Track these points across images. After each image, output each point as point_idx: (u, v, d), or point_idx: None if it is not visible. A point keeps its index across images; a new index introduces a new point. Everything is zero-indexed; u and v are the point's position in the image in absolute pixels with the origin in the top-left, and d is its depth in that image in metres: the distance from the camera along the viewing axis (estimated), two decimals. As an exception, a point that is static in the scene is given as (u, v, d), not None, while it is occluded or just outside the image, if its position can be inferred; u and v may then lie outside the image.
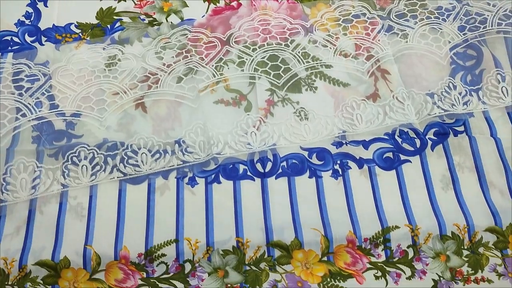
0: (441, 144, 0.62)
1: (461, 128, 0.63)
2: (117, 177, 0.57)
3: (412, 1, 0.71)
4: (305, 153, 0.61)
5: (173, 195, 0.58)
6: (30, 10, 0.69)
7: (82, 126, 0.61)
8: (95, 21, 0.69)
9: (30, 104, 0.61)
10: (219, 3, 0.71)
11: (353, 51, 0.67)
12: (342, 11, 0.71)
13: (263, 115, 0.62)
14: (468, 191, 0.59)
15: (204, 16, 0.70)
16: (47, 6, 0.69)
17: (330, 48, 0.67)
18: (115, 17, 0.69)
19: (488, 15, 0.68)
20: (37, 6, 0.69)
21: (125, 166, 0.58)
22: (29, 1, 0.69)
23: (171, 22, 0.69)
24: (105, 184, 0.57)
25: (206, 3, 0.71)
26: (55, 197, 0.57)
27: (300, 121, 0.62)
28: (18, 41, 0.67)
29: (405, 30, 0.68)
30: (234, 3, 0.71)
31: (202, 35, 0.67)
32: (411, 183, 0.59)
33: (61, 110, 0.61)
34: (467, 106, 0.63)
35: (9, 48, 0.66)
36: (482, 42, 0.67)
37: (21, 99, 0.62)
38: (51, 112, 0.61)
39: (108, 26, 0.69)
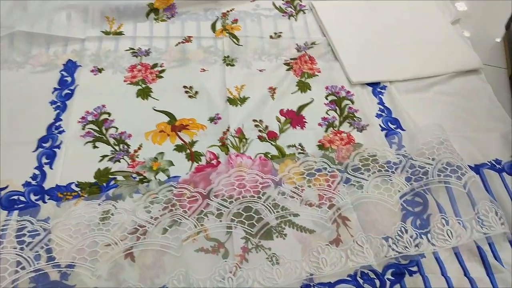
0: (399, 284, 0.71)
1: (415, 268, 0.73)
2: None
3: (365, 157, 0.86)
4: (277, 297, 0.70)
5: None
6: (37, 172, 0.82)
7: (76, 276, 0.70)
8: (92, 180, 0.82)
9: (29, 258, 0.71)
10: (201, 161, 0.86)
11: (317, 201, 0.81)
12: (306, 166, 0.86)
13: (239, 261, 0.73)
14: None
15: (188, 173, 0.84)
16: (52, 169, 0.83)
17: (297, 199, 0.81)
18: (110, 176, 0.83)
19: (429, 168, 0.83)
20: (43, 168, 0.83)
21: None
22: (37, 164, 0.83)
23: (159, 179, 0.83)
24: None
25: (190, 162, 0.86)
26: None
27: (272, 266, 0.72)
28: (24, 200, 0.79)
29: (361, 182, 0.83)
30: (213, 161, 0.86)
31: (185, 190, 0.81)
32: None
33: (57, 262, 0.71)
34: (418, 247, 0.74)
35: (15, 206, 0.78)
36: (426, 190, 0.81)
37: (22, 253, 0.72)
38: (47, 264, 0.71)
39: (104, 184, 0.82)
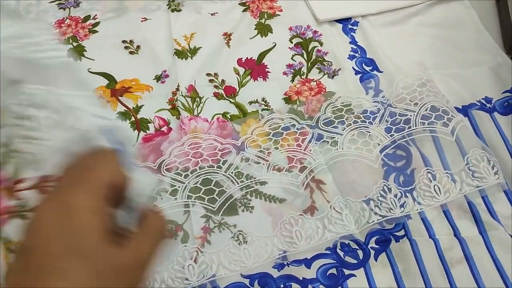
0: (384, 252, 0.64)
1: (402, 233, 0.66)
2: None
3: (338, 107, 0.77)
4: (246, 281, 0.62)
5: None
6: None
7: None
8: None
9: None
10: (149, 129, 0.75)
11: (286, 164, 0.71)
12: (272, 124, 0.76)
13: (200, 245, 0.64)
14: (416, 300, 0.61)
15: (134, 145, 0.73)
16: None
17: (263, 164, 0.71)
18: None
19: (411, 115, 0.74)
20: None
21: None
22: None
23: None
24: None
25: (136, 131, 0.75)
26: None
27: (239, 246, 0.64)
28: None
29: (335, 137, 0.73)
30: (164, 128, 0.75)
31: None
32: (358, 300, 0.61)
33: None
34: (404, 208, 0.67)
35: None
36: (409, 141, 0.72)
37: None
38: None
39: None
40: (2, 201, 0.64)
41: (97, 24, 0.90)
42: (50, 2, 0.93)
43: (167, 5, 0.92)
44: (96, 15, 0.91)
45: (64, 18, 0.90)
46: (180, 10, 0.91)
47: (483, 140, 0.74)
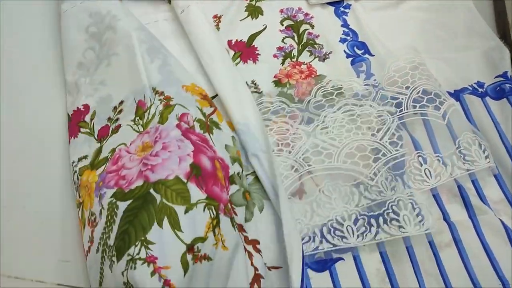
0: (374, 237, 0.63)
1: (392, 215, 0.65)
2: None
3: (329, 90, 0.76)
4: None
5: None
6: None
7: None
8: None
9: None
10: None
11: (275, 147, 0.70)
12: (261, 108, 0.74)
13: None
14: (404, 284, 0.61)
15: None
16: None
17: (252, 147, 0.70)
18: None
19: (402, 98, 0.73)
20: None
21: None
22: None
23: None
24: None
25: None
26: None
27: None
28: None
29: (324, 121, 0.72)
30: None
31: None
32: (345, 282, 0.60)
33: None
34: (394, 191, 0.66)
35: None
36: (400, 125, 0.71)
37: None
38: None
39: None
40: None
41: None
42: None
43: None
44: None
45: None
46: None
47: (474, 124, 0.74)
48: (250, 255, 0.57)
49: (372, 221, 0.64)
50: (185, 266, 0.50)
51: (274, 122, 0.73)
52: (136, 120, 0.65)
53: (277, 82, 0.78)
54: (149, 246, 0.50)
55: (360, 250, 0.63)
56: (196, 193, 0.54)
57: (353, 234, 0.64)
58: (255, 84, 0.78)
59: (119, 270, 0.50)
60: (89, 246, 0.57)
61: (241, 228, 0.59)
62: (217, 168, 0.60)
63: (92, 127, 0.69)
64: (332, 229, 0.64)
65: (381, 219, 0.64)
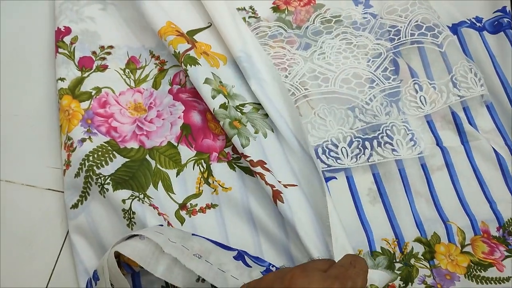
0: (367, 160, 0.64)
1: (385, 139, 0.65)
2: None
3: (327, 18, 0.75)
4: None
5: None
6: None
7: None
8: None
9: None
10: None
11: (272, 70, 0.70)
12: (259, 32, 0.74)
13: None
14: (395, 202, 0.62)
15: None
16: None
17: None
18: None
19: (401, 27, 0.72)
20: None
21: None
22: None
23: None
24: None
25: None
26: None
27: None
28: None
29: (322, 47, 0.72)
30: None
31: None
32: (337, 199, 0.61)
33: None
34: (389, 116, 0.66)
35: None
36: (397, 53, 0.71)
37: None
38: None
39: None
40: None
41: None
42: None
43: None
44: None
45: None
46: None
47: (470, 57, 0.74)
48: (262, 176, 0.57)
49: (366, 143, 0.65)
50: (181, 220, 0.59)
51: (271, 47, 0.72)
52: (127, 72, 0.69)
53: (276, 8, 0.77)
54: (150, 198, 0.58)
55: (353, 171, 0.64)
56: (186, 153, 0.63)
57: (347, 155, 0.64)
58: (252, 9, 0.77)
59: (117, 197, 0.55)
60: (64, 170, 0.60)
61: (243, 155, 0.60)
62: (209, 119, 0.65)
63: (72, 50, 0.69)
64: (327, 150, 0.64)
65: (375, 142, 0.65)
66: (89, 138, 0.62)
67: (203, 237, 0.52)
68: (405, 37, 0.72)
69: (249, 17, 0.76)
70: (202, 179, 0.61)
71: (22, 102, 0.68)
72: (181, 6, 0.74)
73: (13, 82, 0.69)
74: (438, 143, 0.67)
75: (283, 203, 0.55)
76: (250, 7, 0.77)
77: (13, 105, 0.68)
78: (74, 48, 0.70)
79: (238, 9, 0.76)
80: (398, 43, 0.72)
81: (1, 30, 0.73)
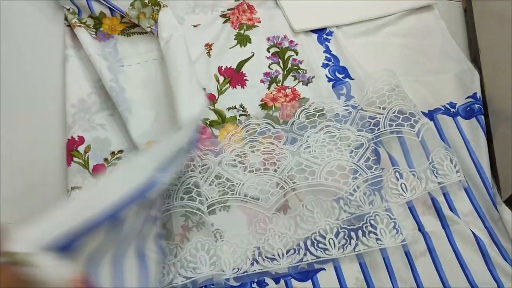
0: (353, 249, 0.69)
1: (369, 229, 0.70)
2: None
3: (311, 112, 0.81)
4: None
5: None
6: None
7: None
8: None
9: None
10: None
11: (262, 166, 0.76)
12: (249, 129, 0.80)
13: (180, 241, 0.68)
14: (381, 291, 0.66)
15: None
16: None
17: (240, 167, 0.75)
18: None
19: (380, 118, 0.79)
20: None
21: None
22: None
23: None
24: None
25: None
26: None
27: (215, 242, 0.68)
28: None
29: (308, 141, 0.78)
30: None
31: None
32: (327, 291, 0.65)
33: None
34: (372, 205, 0.71)
35: None
36: (378, 143, 0.77)
37: None
38: None
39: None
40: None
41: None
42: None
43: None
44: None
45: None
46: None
47: (446, 142, 0.79)
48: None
49: (352, 234, 0.69)
50: None
51: (260, 143, 0.78)
52: None
53: (264, 105, 0.84)
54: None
55: (341, 261, 0.68)
56: None
57: (334, 246, 0.69)
58: (243, 107, 0.84)
59: None
60: None
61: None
62: None
63: (86, 159, 0.75)
64: (316, 242, 0.69)
65: (360, 232, 0.69)
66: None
67: None
68: (384, 127, 0.77)
69: (240, 115, 0.83)
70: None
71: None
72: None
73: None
74: (420, 228, 0.71)
75: None
76: (241, 105, 0.84)
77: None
78: (88, 157, 0.76)
79: (229, 108, 0.83)
80: (378, 133, 0.77)
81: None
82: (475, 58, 0.90)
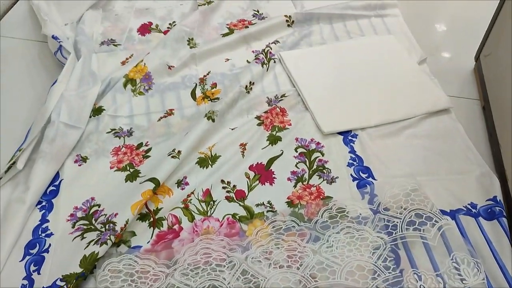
0: None
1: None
2: None
3: (334, 213, 0.86)
4: None
5: None
6: (25, 282, 0.79)
7: None
8: (79, 270, 0.78)
9: None
10: (162, 226, 0.86)
11: (286, 262, 0.80)
12: (275, 226, 0.85)
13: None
14: None
15: (149, 242, 0.84)
16: (40, 274, 0.80)
17: (265, 263, 0.80)
18: (96, 262, 0.80)
19: (397, 222, 0.82)
20: (32, 276, 0.80)
21: None
22: (25, 274, 0.80)
23: (120, 252, 0.82)
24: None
25: (151, 228, 0.86)
26: None
27: None
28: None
29: (329, 241, 0.82)
30: (176, 226, 0.86)
31: (149, 267, 0.80)
32: None
33: None
34: (392, 307, 0.73)
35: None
36: (398, 245, 0.80)
37: None
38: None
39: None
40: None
41: (149, 150, 1.02)
42: (107, 132, 1.06)
43: (206, 116, 1.04)
44: (147, 142, 1.03)
45: (120, 146, 1.03)
46: (214, 120, 1.03)
47: (469, 241, 0.81)
48: None
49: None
50: None
51: (284, 241, 0.83)
52: None
53: (290, 203, 0.90)
54: None
55: None
56: None
57: None
58: (270, 204, 0.90)
59: None
60: None
61: None
62: None
63: None
64: None
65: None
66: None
67: None
68: (401, 231, 0.81)
69: (267, 211, 0.88)
70: None
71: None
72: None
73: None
74: (440, 333, 0.71)
75: None
76: (268, 202, 0.90)
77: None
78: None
79: (258, 204, 0.89)
80: (396, 236, 0.80)
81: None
82: (496, 152, 0.93)
